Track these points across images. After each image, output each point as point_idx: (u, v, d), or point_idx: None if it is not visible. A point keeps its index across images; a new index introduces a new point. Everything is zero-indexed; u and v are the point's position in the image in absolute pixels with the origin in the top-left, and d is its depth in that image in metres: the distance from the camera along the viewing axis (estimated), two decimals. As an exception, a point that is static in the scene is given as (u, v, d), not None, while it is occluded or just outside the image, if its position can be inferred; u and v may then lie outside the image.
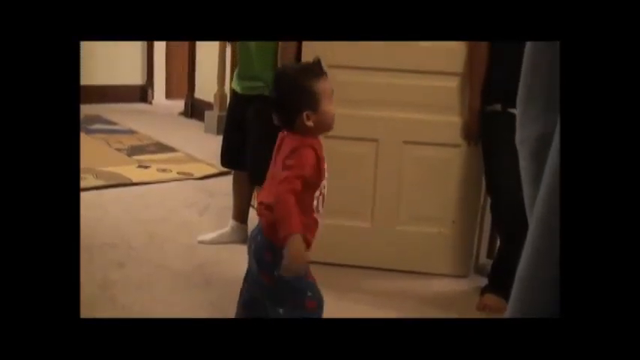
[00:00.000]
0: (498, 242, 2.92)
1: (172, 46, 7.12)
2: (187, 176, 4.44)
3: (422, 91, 2.90)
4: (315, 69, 1.86)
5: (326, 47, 2.74)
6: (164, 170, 4.53)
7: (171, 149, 5.14)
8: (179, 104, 6.81)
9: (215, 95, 5.84)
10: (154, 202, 3.89)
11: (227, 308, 2.28)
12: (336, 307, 2.28)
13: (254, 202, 3.41)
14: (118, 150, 5.04)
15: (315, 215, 1.88)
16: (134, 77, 7.15)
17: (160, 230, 3.43)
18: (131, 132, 5.68)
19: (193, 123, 6.32)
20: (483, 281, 2.87)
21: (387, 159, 2.99)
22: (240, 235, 3.30)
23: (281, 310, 1.85)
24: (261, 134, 2.96)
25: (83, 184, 3.96)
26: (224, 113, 3.82)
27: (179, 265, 3.00)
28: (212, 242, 3.27)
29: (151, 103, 7.16)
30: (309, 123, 1.81)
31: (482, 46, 2.76)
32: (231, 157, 3.20)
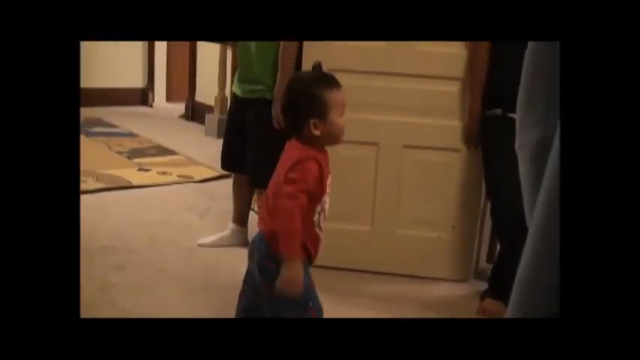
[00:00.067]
0: (498, 247, 2.92)
1: (173, 48, 7.13)
2: (187, 179, 4.44)
3: (422, 96, 2.91)
4: (331, 79, 1.84)
5: (326, 51, 2.74)
6: (164, 173, 4.53)
7: (171, 152, 5.14)
8: (180, 107, 6.82)
9: (216, 98, 5.85)
10: (154, 205, 3.89)
11: (227, 311, 2.27)
12: (335, 311, 2.28)
13: (254, 205, 3.42)
14: (119, 153, 5.04)
15: (317, 230, 1.87)
16: (135, 80, 7.15)
17: (160, 233, 3.43)
18: (132, 135, 5.68)
19: (194, 126, 6.32)
20: (483, 286, 2.87)
21: (388, 163, 2.99)
22: (241, 238, 3.30)
23: None
24: (261, 137, 2.97)
25: (83, 186, 3.97)
26: (224, 116, 3.82)
27: (179, 269, 3.00)
28: (212, 245, 3.27)
29: (151, 106, 7.16)
30: (316, 132, 1.80)
31: (483, 51, 2.76)
32: (231, 161, 3.20)
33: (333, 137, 1.85)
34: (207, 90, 6.17)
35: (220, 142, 3.31)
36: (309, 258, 1.89)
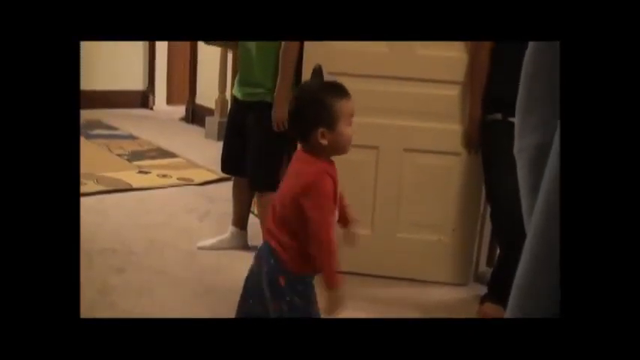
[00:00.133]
0: (498, 250, 2.92)
1: (174, 51, 7.13)
2: (187, 182, 4.44)
3: (422, 99, 2.91)
4: (341, 88, 1.82)
5: (327, 54, 2.74)
6: (164, 176, 4.53)
7: (171, 155, 5.14)
8: (180, 110, 6.82)
9: (216, 101, 5.85)
10: (154, 208, 3.89)
11: (226, 313, 2.27)
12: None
13: (254, 208, 3.42)
14: (119, 155, 5.04)
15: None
16: (135, 83, 7.15)
17: (160, 236, 3.43)
18: (132, 137, 5.68)
19: (194, 129, 6.32)
20: (483, 289, 2.87)
21: (388, 166, 2.99)
22: (240, 241, 3.30)
23: None
24: (261, 141, 2.97)
25: (84, 189, 3.97)
26: (225, 119, 3.82)
27: (179, 271, 3.00)
28: (212, 248, 3.27)
29: (152, 108, 7.16)
30: (324, 141, 1.77)
31: (483, 55, 2.76)
32: (231, 163, 3.21)
33: (340, 147, 1.81)
34: (207, 93, 6.17)
35: (220, 144, 3.31)
36: (314, 269, 1.88)
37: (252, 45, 2.96)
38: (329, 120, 1.76)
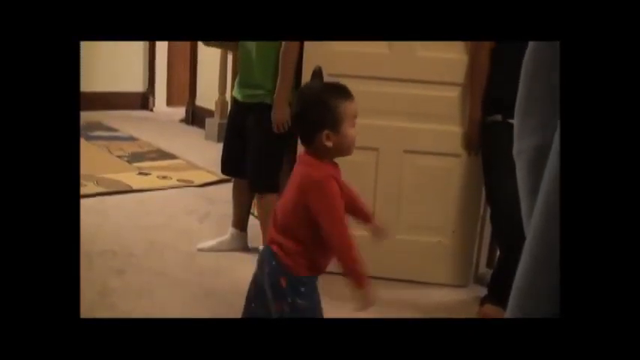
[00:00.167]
0: (498, 252, 2.91)
1: (174, 53, 7.13)
2: (187, 183, 4.44)
3: (423, 101, 2.91)
4: (344, 90, 1.80)
5: (327, 56, 2.75)
6: (164, 177, 4.53)
7: (171, 156, 5.14)
8: (180, 111, 6.82)
9: (216, 103, 5.85)
10: (154, 209, 3.89)
11: (226, 315, 2.28)
12: (334, 316, 2.27)
13: (254, 209, 3.42)
14: (119, 157, 5.04)
15: None
16: (135, 84, 7.16)
17: (160, 237, 3.43)
18: (132, 139, 5.68)
19: (194, 130, 6.32)
20: (483, 291, 2.87)
21: (388, 168, 2.99)
22: (240, 243, 3.30)
23: None
24: (261, 142, 2.97)
25: (83, 190, 3.96)
26: (225, 121, 3.82)
27: (179, 273, 3.00)
28: (211, 250, 3.27)
29: (152, 110, 7.16)
30: (329, 143, 1.76)
31: (483, 56, 2.77)
32: (231, 165, 3.21)
33: (345, 149, 1.81)
34: (207, 94, 6.17)
35: (220, 146, 3.31)
36: (319, 271, 1.88)
37: (252, 46, 2.96)
38: (333, 122, 1.75)
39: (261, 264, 1.89)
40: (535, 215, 1.00)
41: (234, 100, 3.21)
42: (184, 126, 6.56)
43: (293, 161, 2.96)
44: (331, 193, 1.76)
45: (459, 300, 2.95)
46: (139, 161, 4.93)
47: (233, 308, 2.03)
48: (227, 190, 3.61)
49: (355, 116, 1.80)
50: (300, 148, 1.89)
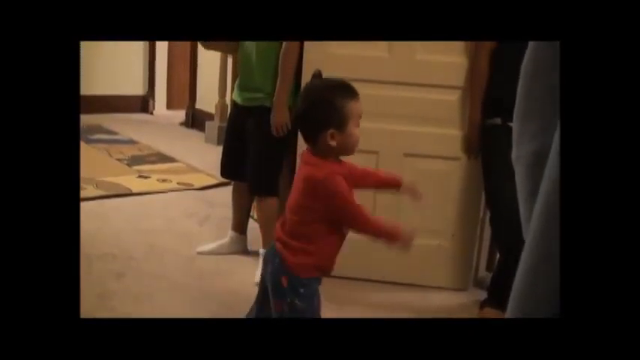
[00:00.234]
0: (498, 255, 2.91)
1: (174, 56, 7.14)
2: (187, 186, 4.44)
3: (422, 104, 2.91)
4: (350, 89, 1.79)
5: (326, 59, 2.75)
6: (164, 180, 4.54)
7: (171, 159, 5.15)
8: (180, 114, 6.83)
9: (216, 106, 5.86)
10: (154, 213, 3.89)
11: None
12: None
13: (253, 213, 3.42)
14: (119, 160, 5.04)
15: (341, 243, 1.88)
16: (135, 87, 7.16)
17: (160, 240, 3.43)
18: (132, 142, 5.69)
19: (194, 133, 6.33)
20: (482, 294, 2.87)
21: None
22: (240, 246, 3.30)
23: None
24: (261, 145, 2.97)
25: (83, 194, 3.97)
26: (225, 124, 3.82)
27: (178, 276, 3.00)
28: (211, 253, 3.27)
29: (152, 113, 7.17)
30: (333, 142, 1.74)
31: (483, 59, 2.77)
32: (231, 168, 3.21)
33: (348, 148, 1.80)
34: (207, 97, 6.18)
35: (220, 149, 3.31)
36: (322, 271, 1.88)
37: (252, 50, 2.96)
38: (339, 121, 1.74)
39: (265, 262, 1.90)
40: (535, 215, 0.99)
41: (233, 103, 3.21)
42: (184, 129, 6.56)
43: (293, 164, 2.98)
44: (338, 189, 1.75)
45: (459, 303, 2.94)
46: (138, 164, 4.93)
47: (232, 311, 2.03)
48: (227, 193, 3.61)
49: (360, 116, 1.79)
50: (301, 149, 1.88)
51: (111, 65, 6.76)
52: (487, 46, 2.75)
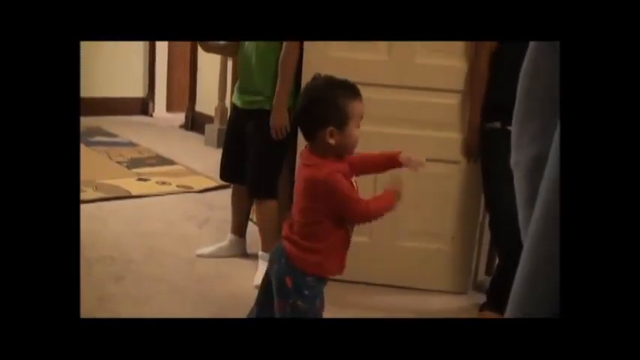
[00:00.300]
0: (497, 259, 2.91)
1: (174, 58, 7.14)
2: (187, 189, 4.44)
3: (422, 108, 2.91)
4: (354, 88, 1.79)
5: (326, 62, 2.75)
6: (164, 183, 4.53)
7: (171, 162, 5.14)
8: (180, 117, 6.83)
9: (216, 108, 5.86)
10: (154, 215, 3.89)
11: (225, 322, 2.27)
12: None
13: (252, 216, 3.42)
14: (118, 162, 5.04)
15: (349, 231, 1.88)
16: (135, 90, 7.16)
17: (159, 243, 3.42)
18: (131, 144, 5.69)
19: (194, 136, 6.33)
20: (482, 298, 2.87)
21: (386, 174, 2.98)
22: (239, 249, 3.30)
23: None
24: (260, 148, 2.97)
25: (83, 196, 3.96)
26: (224, 127, 3.83)
27: (178, 279, 3.00)
28: (211, 256, 3.27)
29: (151, 115, 7.17)
30: (331, 140, 1.75)
31: (483, 63, 2.77)
32: (230, 171, 3.21)
33: (347, 148, 1.80)
34: (207, 100, 6.18)
35: (220, 152, 3.31)
36: (327, 271, 1.88)
37: (251, 52, 2.96)
38: (339, 120, 1.74)
39: (271, 261, 1.89)
40: (534, 215, 0.99)
41: (233, 106, 3.21)
42: (184, 132, 6.56)
43: (292, 167, 2.98)
44: (338, 186, 1.75)
45: (458, 307, 2.94)
46: (138, 167, 4.93)
47: (232, 313, 2.03)
48: (226, 196, 3.61)
49: (361, 117, 1.80)
50: (300, 150, 1.88)
51: (110, 68, 6.76)
52: (487, 48, 2.75)
